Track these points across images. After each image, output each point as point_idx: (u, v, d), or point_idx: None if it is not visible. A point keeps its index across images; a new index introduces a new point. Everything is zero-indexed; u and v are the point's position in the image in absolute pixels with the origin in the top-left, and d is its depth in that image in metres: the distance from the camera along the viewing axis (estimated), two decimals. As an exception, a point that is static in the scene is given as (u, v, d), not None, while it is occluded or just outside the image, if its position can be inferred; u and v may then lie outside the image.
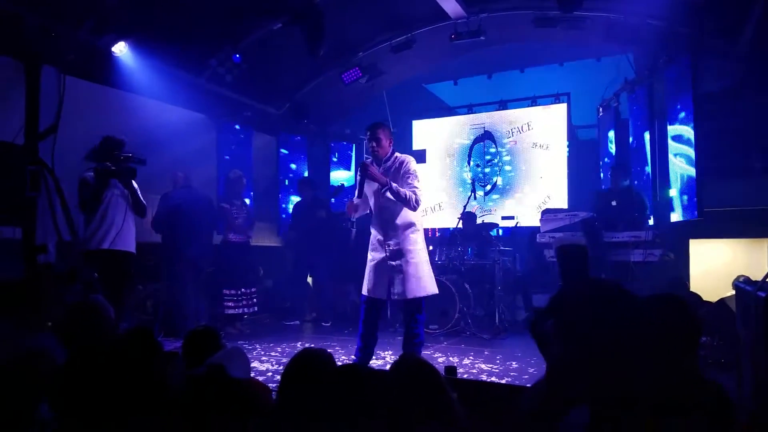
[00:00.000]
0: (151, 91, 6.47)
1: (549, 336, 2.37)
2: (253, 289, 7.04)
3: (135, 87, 6.30)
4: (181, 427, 1.89)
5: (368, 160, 4.43)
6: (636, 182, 6.92)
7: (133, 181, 4.93)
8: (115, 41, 5.82)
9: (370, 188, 4.40)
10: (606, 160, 8.03)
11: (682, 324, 1.89)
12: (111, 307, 2.93)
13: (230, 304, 6.81)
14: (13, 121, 5.18)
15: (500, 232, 8.26)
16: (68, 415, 1.92)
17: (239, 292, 6.88)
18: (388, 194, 4.21)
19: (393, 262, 4.29)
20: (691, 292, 5.59)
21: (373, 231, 4.44)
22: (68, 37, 5.48)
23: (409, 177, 4.29)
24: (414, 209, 4.32)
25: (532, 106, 9.01)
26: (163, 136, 6.51)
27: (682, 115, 5.98)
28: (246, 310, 6.93)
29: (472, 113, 9.51)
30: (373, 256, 4.40)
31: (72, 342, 2.71)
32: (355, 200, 4.46)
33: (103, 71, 6.01)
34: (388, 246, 4.31)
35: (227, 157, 8.10)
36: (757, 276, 5.02)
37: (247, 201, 7.57)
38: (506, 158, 9.16)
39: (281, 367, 4.83)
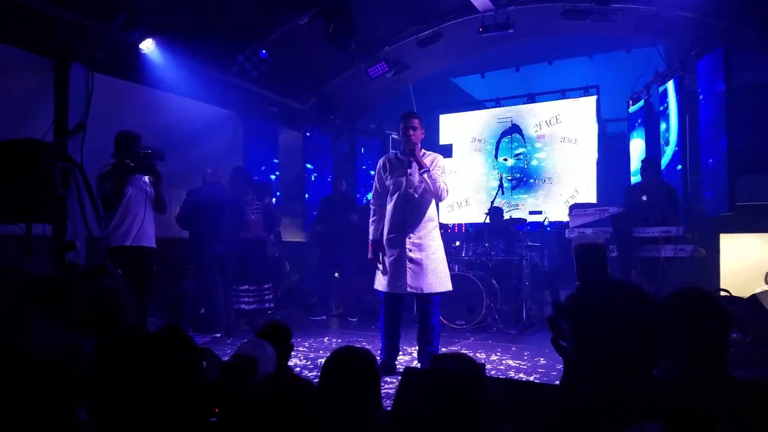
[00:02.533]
0: (178, 88, 6.52)
1: (565, 334, 2.33)
2: (267, 285, 6.99)
3: (162, 84, 6.36)
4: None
5: (411, 146, 4.37)
6: (667, 175, 6.76)
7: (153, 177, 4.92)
8: (143, 38, 5.86)
9: (394, 179, 4.42)
10: (636, 154, 7.87)
11: (710, 319, 1.83)
12: (124, 292, 2.93)
13: (245, 299, 6.81)
14: (43, 118, 5.26)
15: (528, 227, 8.16)
16: (105, 416, 1.92)
17: (251, 289, 6.88)
18: (426, 178, 4.27)
19: (413, 255, 4.31)
20: (721, 288, 5.46)
21: (388, 225, 4.43)
22: (98, 33, 5.54)
23: (440, 171, 4.39)
24: (442, 200, 4.46)
25: (560, 99, 8.88)
26: (190, 132, 6.56)
27: (714, 107, 5.83)
28: (257, 306, 6.86)
29: (500, 107, 9.41)
30: (390, 251, 4.40)
31: (91, 329, 2.72)
32: (372, 204, 4.54)
33: (130, 68, 6.06)
34: (410, 239, 4.33)
35: (257, 158, 8.13)
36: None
37: (274, 200, 7.56)
38: (534, 152, 9.05)
39: (309, 362, 4.87)
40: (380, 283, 4.47)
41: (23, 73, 5.32)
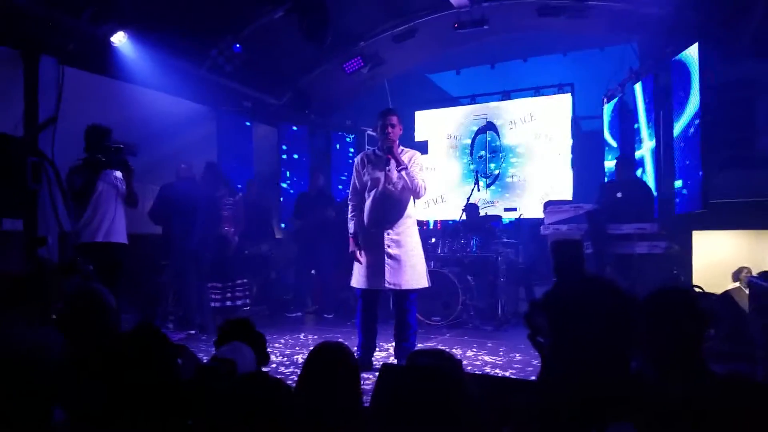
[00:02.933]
0: (151, 82, 6.40)
1: (541, 330, 2.35)
2: (241, 282, 6.94)
3: (135, 77, 6.23)
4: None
5: (390, 143, 4.36)
6: (641, 173, 6.87)
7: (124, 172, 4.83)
8: (115, 31, 5.75)
9: (371, 176, 4.41)
10: (610, 151, 7.97)
11: (688, 318, 1.86)
12: (112, 296, 2.89)
13: (217, 296, 6.73)
14: (13, 112, 5.13)
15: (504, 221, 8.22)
16: (82, 416, 1.88)
17: (224, 286, 6.81)
18: (404, 175, 4.28)
19: (392, 251, 4.33)
20: (694, 284, 5.57)
21: (367, 221, 4.42)
22: (67, 26, 5.42)
23: (417, 168, 4.42)
24: (420, 197, 4.46)
25: (535, 96, 8.95)
26: (163, 126, 6.45)
27: (688, 104, 5.93)
28: (231, 303, 6.81)
29: (475, 103, 9.45)
30: (368, 248, 4.41)
31: (74, 333, 2.67)
32: (350, 200, 4.52)
33: (102, 61, 5.94)
34: (388, 235, 4.35)
35: (231, 153, 8.03)
36: (759, 267, 5.02)
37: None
38: (509, 150, 9.11)
39: (285, 359, 4.83)
40: (357, 279, 4.46)
41: (-10, 65, 5.18)
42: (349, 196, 4.64)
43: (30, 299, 2.98)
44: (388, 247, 4.34)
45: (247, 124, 8.38)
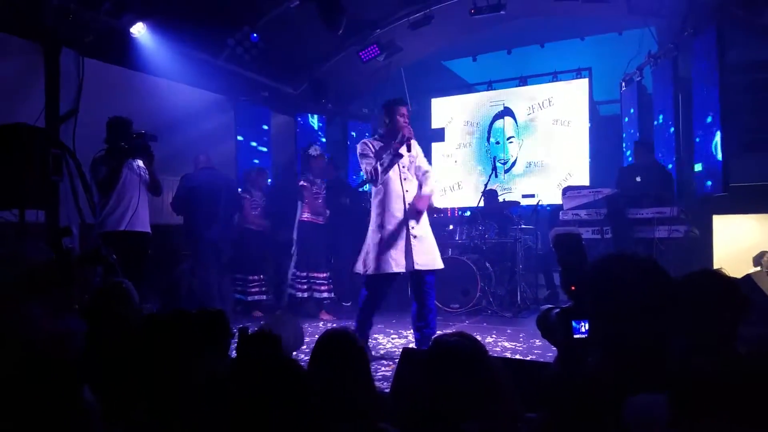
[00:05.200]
0: (170, 72, 6.44)
1: (555, 324, 2.33)
2: (260, 276, 6.97)
3: (153, 68, 6.27)
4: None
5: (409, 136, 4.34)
6: (660, 156, 6.79)
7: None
8: (134, 22, 5.79)
9: (386, 162, 4.35)
10: (629, 135, 7.88)
11: (728, 301, 1.84)
12: (135, 291, 2.94)
13: (254, 290, 6.81)
14: (34, 104, 5.20)
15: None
16: (112, 396, 1.93)
17: (258, 279, 6.89)
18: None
19: (416, 232, 4.34)
20: (715, 269, 5.50)
21: (390, 207, 4.35)
22: (87, 18, 5.46)
23: (425, 164, 4.60)
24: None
25: (552, 81, 8.86)
26: (181, 116, 6.51)
27: (708, 87, 5.84)
28: (252, 297, 6.85)
29: (492, 90, 9.38)
30: (390, 231, 4.32)
31: (98, 323, 2.73)
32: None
33: (121, 53, 5.99)
34: (411, 217, 4.35)
35: (248, 141, 8.09)
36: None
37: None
38: (527, 135, 9.04)
39: (305, 347, 4.86)
40: (378, 263, 4.33)
41: (12, 58, 5.24)
42: (369, 167, 4.38)
43: (53, 288, 3.04)
44: (412, 228, 4.33)
45: (264, 113, 8.40)
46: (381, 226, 4.36)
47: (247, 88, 7.92)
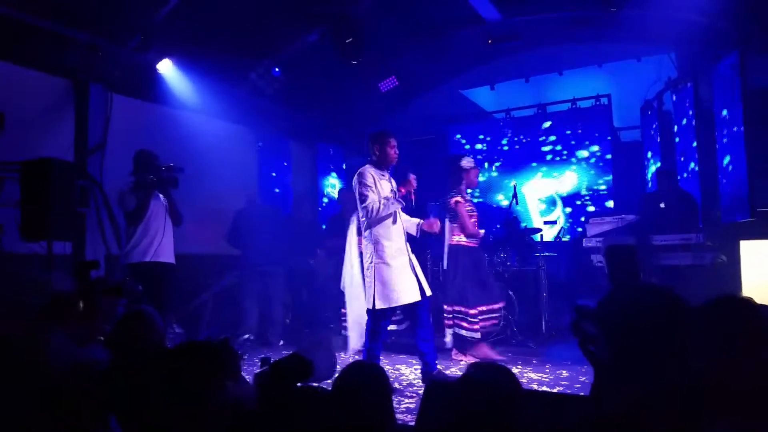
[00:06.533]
0: (194, 105, 6.58)
1: (592, 338, 2.28)
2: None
3: (178, 102, 6.43)
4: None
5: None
6: (683, 182, 6.73)
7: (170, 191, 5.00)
8: (160, 58, 5.94)
9: (388, 189, 4.49)
10: (651, 161, 7.83)
11: (752, 326, 1.80)
12: (160, 318, 2.96)
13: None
14: (63, 137, 5.34)
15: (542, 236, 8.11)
16: (136, 427, 1.93)
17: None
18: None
19: (415, 262, 4.54)
20: (744, 297, 5.38)
21: (394, 238, 4.43)
22: (115, 54, 5.62)
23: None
24: None
25: (572, 108, 8.86)
26: (205, 148, 6.61)
27: (730, 112, 5.80)
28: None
29: (510, 117, 9.40)
30: (401, 262, 4.41)
31: (123, 351, 2.75)
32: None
33: (147, 87, 6.15)
34: (408, 248, 4.54)
35: (269, 171, 8.21)
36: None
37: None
38: (547, 162, 9.02)
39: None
40: (393, 296, 4.32)
41: (42, 94, 5.39)
42: (370, 201, 4.37)
43: (78, 319, 3.08)
44: (412, 258, 4.53)
45: (285, 144, 8.51)
46: (390, 257, 4.38)
47: (268, 119, 8.04)
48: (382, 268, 4.36)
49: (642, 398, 1.62)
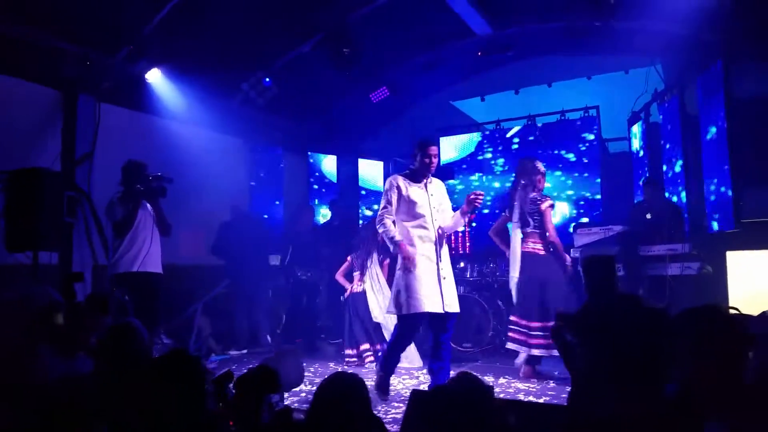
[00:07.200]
0: (184, 116, 6.59)
1: (572, 348, 2.31)
2: None
3: (168, 112, 6.43)
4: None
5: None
6: (670, 193, 6.77)
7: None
8: (149, 68, 5.94)
9: (422, 198, 4.38)
10: (638, 172, 7.88)
11: (724, 336, 1.82)
12: (146, 330, 2.96)
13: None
14: (51, 147, 5.34)
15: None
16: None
17: None
18: (465, 220, 4.43)
19: (444, 273, 4.33)
20: (730, 306, 5.40)
21: (419, 245, 4.31)
22: (104, 65, 5.63)
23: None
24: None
25: (560, 120, 8.91)
26: (195, 158, 6.62)
27: (715, 122, 5.86)
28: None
29: (500, 128, 9.44)
30: (425, 269, 4.26)
31: (107, 363, 2.75)
32: (387, 216, 4.42)
33: (137, 97, 6.15)
34: (440, 260, 4.34)
35: (262, 175, 8.23)
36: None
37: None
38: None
39: (314, 388, 4.82)
40: (413, 303, 4.22)
41: (30, 104, 5.40)
42: (383, 215, 4.40)
43: (63, 332, 3.08)
44: (441, 269, 4.31)
45: (277, 154, 8.53)
46: (414, 266, 4.26)
47: (261, 130, 8.07)
48: (403, 274, 4.29)
49: (614, 407, 1.64)
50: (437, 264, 4.31)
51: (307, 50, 7.04)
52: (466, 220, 4.35)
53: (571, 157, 8.74)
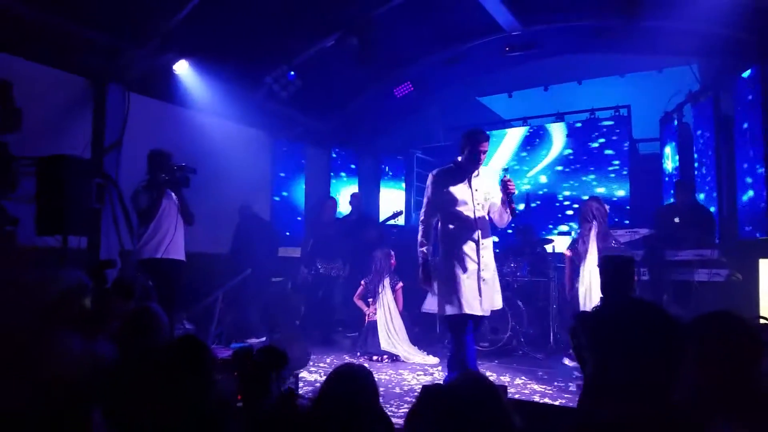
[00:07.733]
0: (209, 107, 6.65)
1: (585, 348, 2.27)
2: None
3: (194, 103, 6.50)
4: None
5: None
6: (701, 197, 6.63)
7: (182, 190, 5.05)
8: (176, 59, 6.01)
9: (464, 194, 4.17)
10: (669, 174, 7.73)
11: (734, 342, 1.78)
12: (165, 315, 3.01)
13: None
14: (81, 135, 5.44)
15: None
16: (121, 422, 1.97)
17: None
18: (508, 211, 4.13)
19: (485, 275, 4.14)
20: (761, 315, 5.27)
21: (457, 246, 4.14)
22: (133, 55, 5.71)
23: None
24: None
25: (590, 118, 8.78)
26: (220, 149, 6.68)
27: (751, 126, 5.71)
28: None
29: (527, 125, 9.34)
30: (467, 269, 4.10)
31: (129, 348, 2.80)
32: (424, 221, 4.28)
33: (164, 88, 6.22)
34: (482, 257, 4.14)
35: (282, 174, 8.28)
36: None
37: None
38: (563, 171, 8.95)
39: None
40: (460, 301, 4.06)
41: (61, 92, 5.50)
42: (424, 217, 4.29)
43: (88, 316, 3.14)
44: (483, 270, 4.13)
45: (299, 147, 8.57)
46: (453, 266, 4.13)
47: (283, 123, 8.10)
48: (441, 274, 4.18)
49: (623, 411, 1.62)
50: (478, 265, 4.11)
51: (330, 45, 7.04)
52: (508, 211, 4.12)
53: (602, 156, 8.62)
